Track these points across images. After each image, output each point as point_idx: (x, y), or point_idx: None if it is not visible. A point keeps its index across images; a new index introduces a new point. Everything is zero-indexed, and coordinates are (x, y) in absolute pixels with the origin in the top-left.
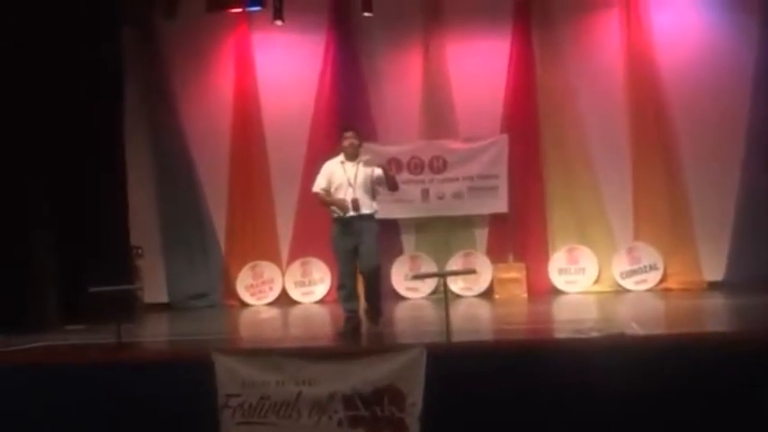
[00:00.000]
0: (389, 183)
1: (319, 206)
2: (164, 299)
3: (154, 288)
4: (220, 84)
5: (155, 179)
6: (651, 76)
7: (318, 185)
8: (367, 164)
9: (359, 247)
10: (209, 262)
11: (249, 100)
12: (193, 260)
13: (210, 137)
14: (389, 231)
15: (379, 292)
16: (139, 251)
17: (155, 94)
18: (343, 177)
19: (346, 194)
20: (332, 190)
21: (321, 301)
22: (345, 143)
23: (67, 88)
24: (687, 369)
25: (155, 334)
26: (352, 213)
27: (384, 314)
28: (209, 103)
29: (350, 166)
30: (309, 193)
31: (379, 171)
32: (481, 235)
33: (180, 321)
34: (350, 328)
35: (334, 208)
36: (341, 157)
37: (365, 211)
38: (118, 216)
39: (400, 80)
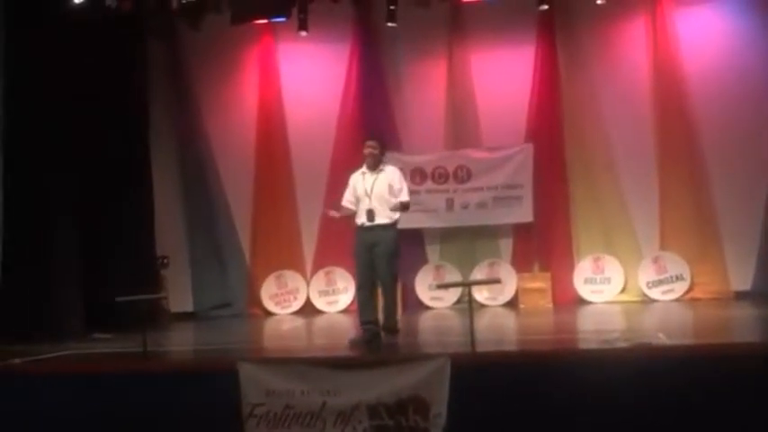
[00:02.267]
0: (402, 210)
1: (343, 216)
2: (189, 308)
3: (179, 297)
4: (245, 94)
5: (180, 189)
6: (677, 84)
7: (345, 198)
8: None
9: (374, 260)
10: (234, 271)
11: (274, 110)
12: (218, 270)
13: (235, 147)
14: (414, 241)
15: (392, 308)
16: (165, 261)
17: (180, 105)
18: (362, 188)
19: (363, 205)
20: (356, 201)
21: (345, 311)
22: (365, 152)
23: (92, 100)
24: (715, 380)
25: (180, 343)
26: (367, 223)
27: (399, 330)
28: (233, 114)
29: (369, 175)
30: (333, 202)
31: (397, 187)
32: (506, 244)
33: (205, 330)
34: (361, 340)
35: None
36: (363, 168)
37: (381, 221)
38: (144, 226)
39: (424, 90)
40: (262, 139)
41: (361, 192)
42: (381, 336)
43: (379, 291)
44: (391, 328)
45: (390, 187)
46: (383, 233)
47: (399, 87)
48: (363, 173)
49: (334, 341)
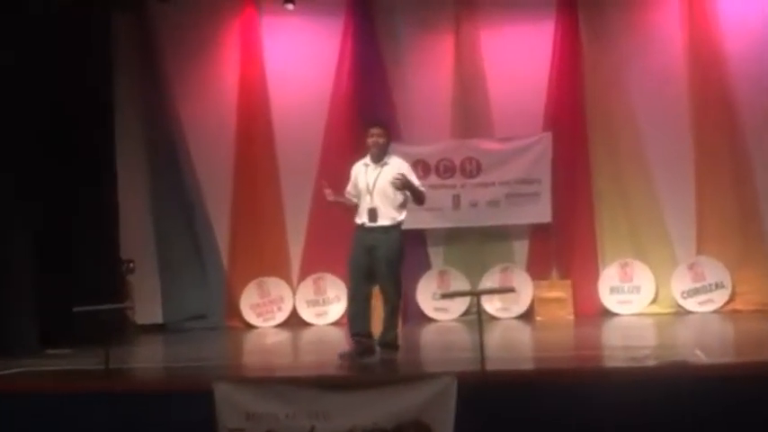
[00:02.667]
0: (414, 197)
1: (337, 214)
2: (158, 319)
3: (147, 307)
4: (224, 74)
5: (149, 184)
6: (716, 64)
7: (347, 191)
8: (394, 183)
9: (373, 265)
10: (210, 278)
11: (256, 93)
12: (192, 276)
13: (212, 136)
14: (415, 243)
15: (392, 321)
16: (131, 265)
17: (149, 87)
18: (363, 182)
19: (364, 202)
20: (357, 195)
21: (337, 323)
22: (369, 141)
23: (52, 82)
24: (759, 402)
25: (147, 359)
26: (368, 224)
27: (399, 346)
28: (210, 98)
29: (372, 168)
30: (324, 198)
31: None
32: (520, 248)
33: (176, 345)
34: (352, 354)
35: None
36: (366, 159)
37: (383, 222)
38: (107, 225)
39: (428, 71)
40: (242, 126)
41: (362, 186)
42: (376, 350)
43: (377, 301)
44: (389, 344)
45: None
46: (385, 235)
47: (399, 68)
48: (366, 164)
49: (324, 358)
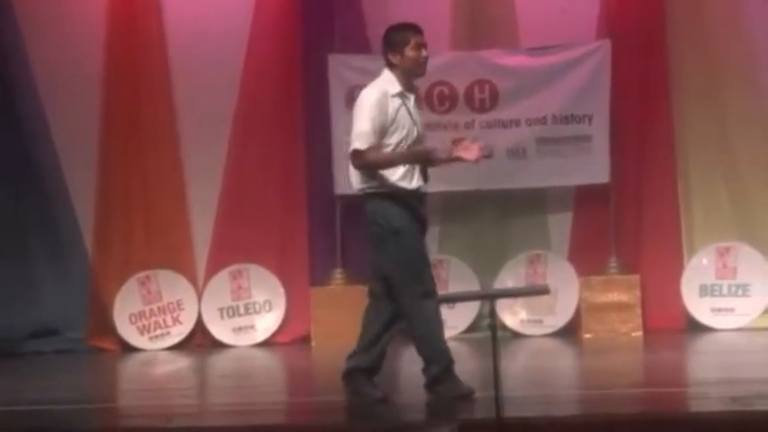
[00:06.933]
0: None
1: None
2: None
3: None
4: None
5: None
6: None
7: (366, 136)
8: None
9: None
10: (66, 273)
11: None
12: (35, 271)
13: (71, 63)
14: None
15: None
16: None
17: None
18: (409, 122)
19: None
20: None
21: (269, 344)
22: (413, 54)
23: None
24: None
25: None
26: (423, 188)
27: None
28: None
29: (413, 101)
30: (241, 153)
31: None
32: (559, 224)
33: (7, 378)
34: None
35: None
36: (391, 85)
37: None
38: None
39: None
40: (115, 49)
41: (409, 128)
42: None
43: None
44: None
45: None
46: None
47: None
48: (402, 94)
49: (253, 400)
